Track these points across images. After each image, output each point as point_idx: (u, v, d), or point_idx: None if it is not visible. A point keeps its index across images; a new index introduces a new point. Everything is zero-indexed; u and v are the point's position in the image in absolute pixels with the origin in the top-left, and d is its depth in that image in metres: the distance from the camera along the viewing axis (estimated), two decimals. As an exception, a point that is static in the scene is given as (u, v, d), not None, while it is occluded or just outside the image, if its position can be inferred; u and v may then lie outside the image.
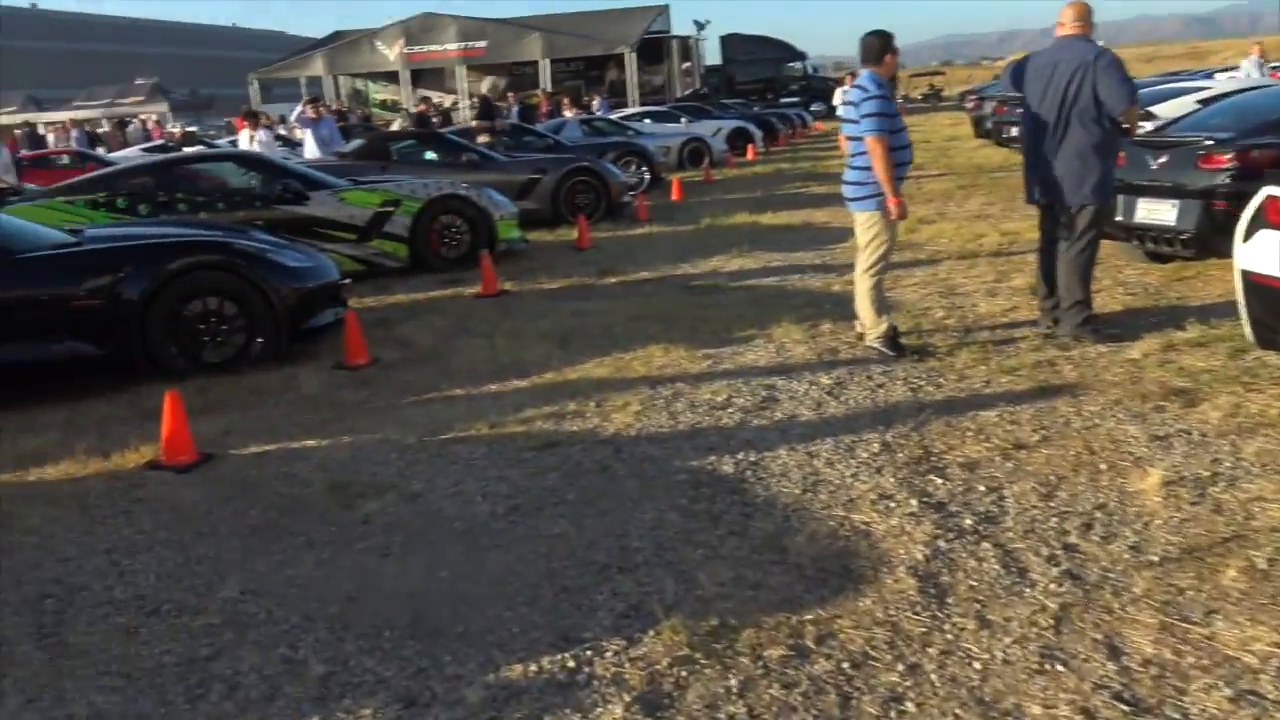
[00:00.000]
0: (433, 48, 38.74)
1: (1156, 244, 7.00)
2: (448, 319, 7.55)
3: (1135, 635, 2.83)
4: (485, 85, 17.27)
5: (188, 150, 16.27)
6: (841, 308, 6.70)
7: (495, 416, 5.12)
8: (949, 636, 2.89)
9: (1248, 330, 4.69)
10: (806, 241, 10.33)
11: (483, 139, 13.68)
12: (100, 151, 17.48)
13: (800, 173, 18.46)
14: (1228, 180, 6.38)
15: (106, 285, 5.78)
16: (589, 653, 2.92)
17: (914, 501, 3.80)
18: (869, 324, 5.78)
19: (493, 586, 3.37)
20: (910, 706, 2.58)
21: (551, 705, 2.69)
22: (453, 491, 4.21)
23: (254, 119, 14.39)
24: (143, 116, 42.32)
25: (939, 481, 3.98)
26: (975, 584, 3.17)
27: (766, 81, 42.54)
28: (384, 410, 5.41)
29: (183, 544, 3.87)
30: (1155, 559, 3.25)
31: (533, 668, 2.87)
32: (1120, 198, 6.73)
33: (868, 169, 5.43)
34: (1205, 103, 9.85)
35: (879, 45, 5.57)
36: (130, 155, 17.78)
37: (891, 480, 4.01)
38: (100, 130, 32.89)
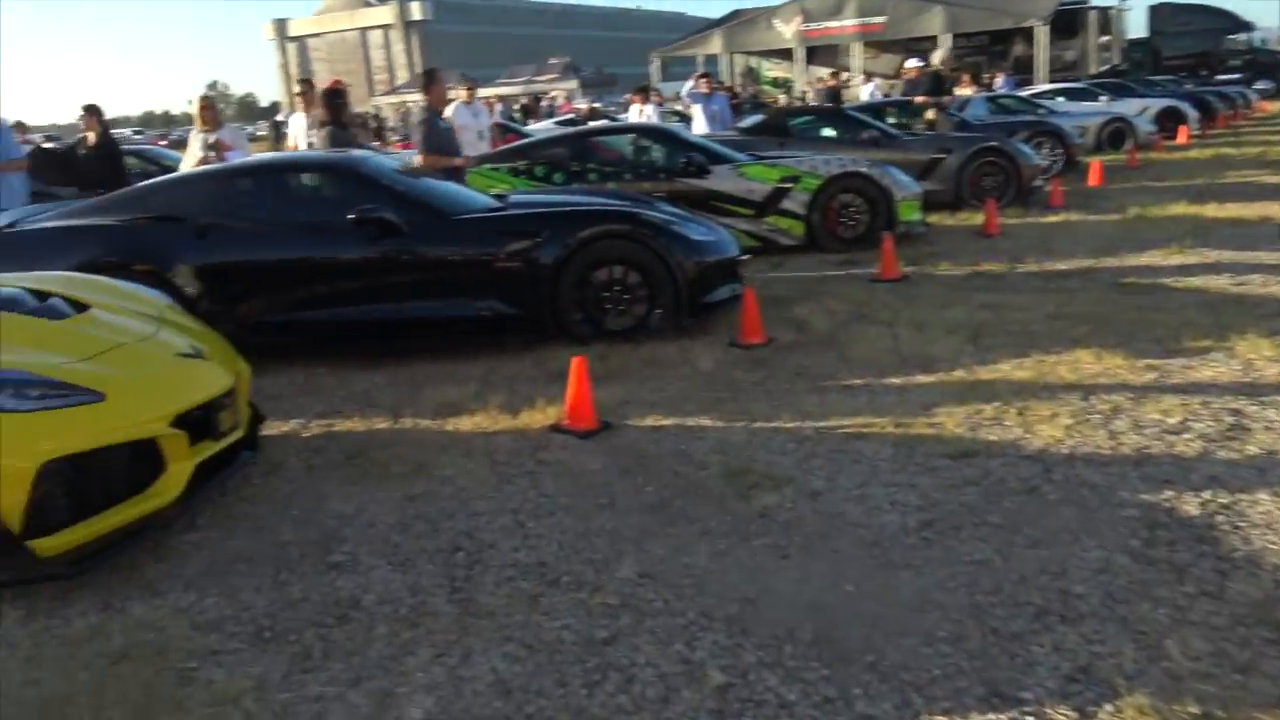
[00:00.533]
0: (830, 24, 38.25)
1: None
2: (844, 302, 7.18)
3: None
4: (937, 57, 16.38)
5: (594, 124, 17.10)
6: (1326, 322, 5.54)
7: (901, 414, 4.69)
8: None
9: None
10: (1267, 239, 8.82)
11: (930, 115, 12.96)
12: (518, 124, 19.04)
13: (1247, 160, 16.03)
14: None
15: (525, 249, 6.01)
16: (1030, 719, 2.46)
17: None
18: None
19: (907, 613, 2.98)
20: None
21: (986, 777, 2.27)
22: (856, 494, 3.86)
23: (644, 94, 14.79)
24: (554, 93, 45.68)
25: None
26: None
27: (1199, 56, 37.79)
28: (780, 395, 5.16)
29: (583, 513, 3.84)
30: None
31: (961, 724, 2.46)
32: None
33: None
34: None
35: None
36: (544, 128, 19.10)
37: None
38: (516, 106, 35.83)
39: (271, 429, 4.95)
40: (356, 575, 3.44)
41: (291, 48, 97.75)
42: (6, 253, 5.87)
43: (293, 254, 5.99)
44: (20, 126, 22.45)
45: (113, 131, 10.99)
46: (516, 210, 6.33)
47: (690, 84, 14.00)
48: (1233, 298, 6.68)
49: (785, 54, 40.62)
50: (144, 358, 3.81)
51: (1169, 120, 20.06)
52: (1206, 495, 3.62)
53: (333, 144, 8.09)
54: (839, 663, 2.75)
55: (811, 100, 23.05)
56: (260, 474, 4.44)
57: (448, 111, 9.04)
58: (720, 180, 8.95)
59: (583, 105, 34.62)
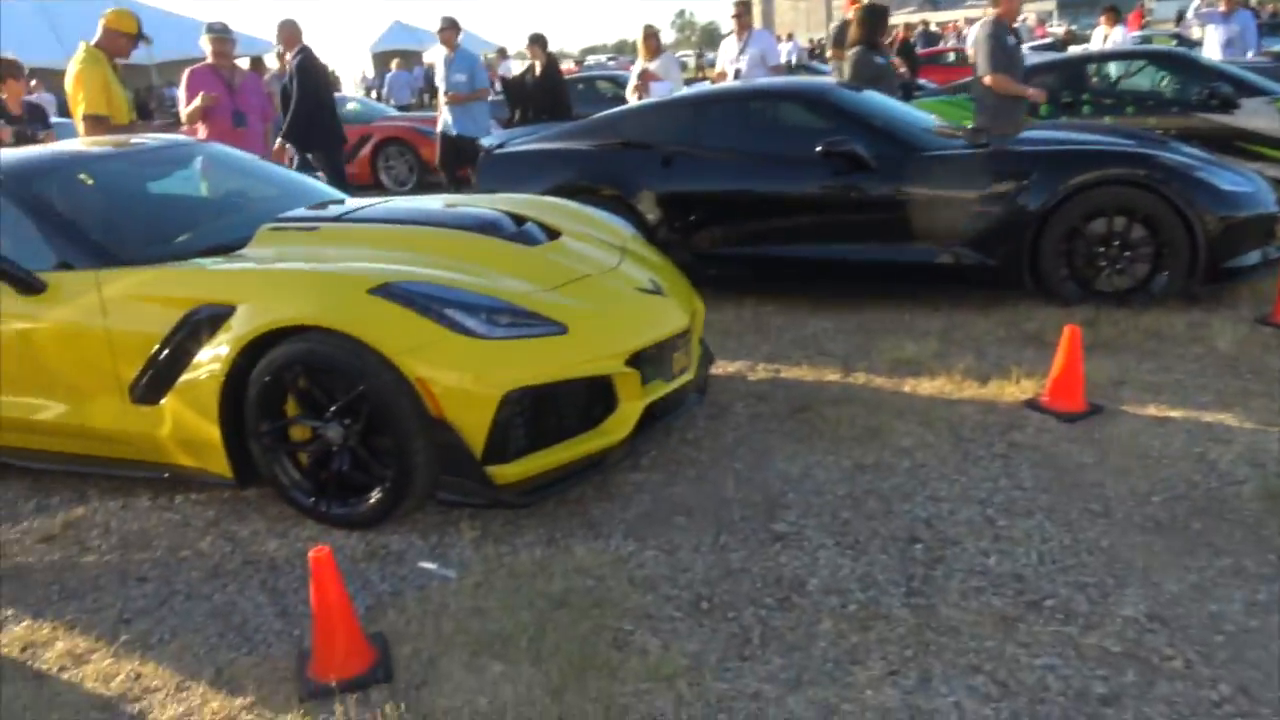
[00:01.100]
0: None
1: None
2: None
3: None
4: None
5: (1084, 49, 15.23)
6: None
7: None
8: None
9: None
10: None
11: None
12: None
13: None
14: None
15: (1007, 192, 5.27)
16: None
17: None
18: None
19: None
20: None
21: None
22: None
23: (1113, 15, 12.75)
24: (1025, 16, 42.11)
25: None
26: None
27: None
28: (1334, 395, 4.06)
29: (1068, 519, 3.20)
30: None
31: None
32: None
33: None
34: None
35: None
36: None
37: None
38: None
39: (717, 368, 4.76)
40: (801, 552, 3.10)
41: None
42: (494, 172, 6.22)
43: (754, 185, 5.74)
44: (502, 53, 24.66)
45: (588, 60, 11.49)
46: (999, 147, 5.56)
47: (1197, 2, 11.88)
48: None
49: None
50: (606, 291, 3.70)
51: None
52: None
53: (861, 70, 7.18)
54: None
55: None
56: (704, 416, 4.26)
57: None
58: (1251, 116, 7.41)
59: (1059, 28, 31.56)
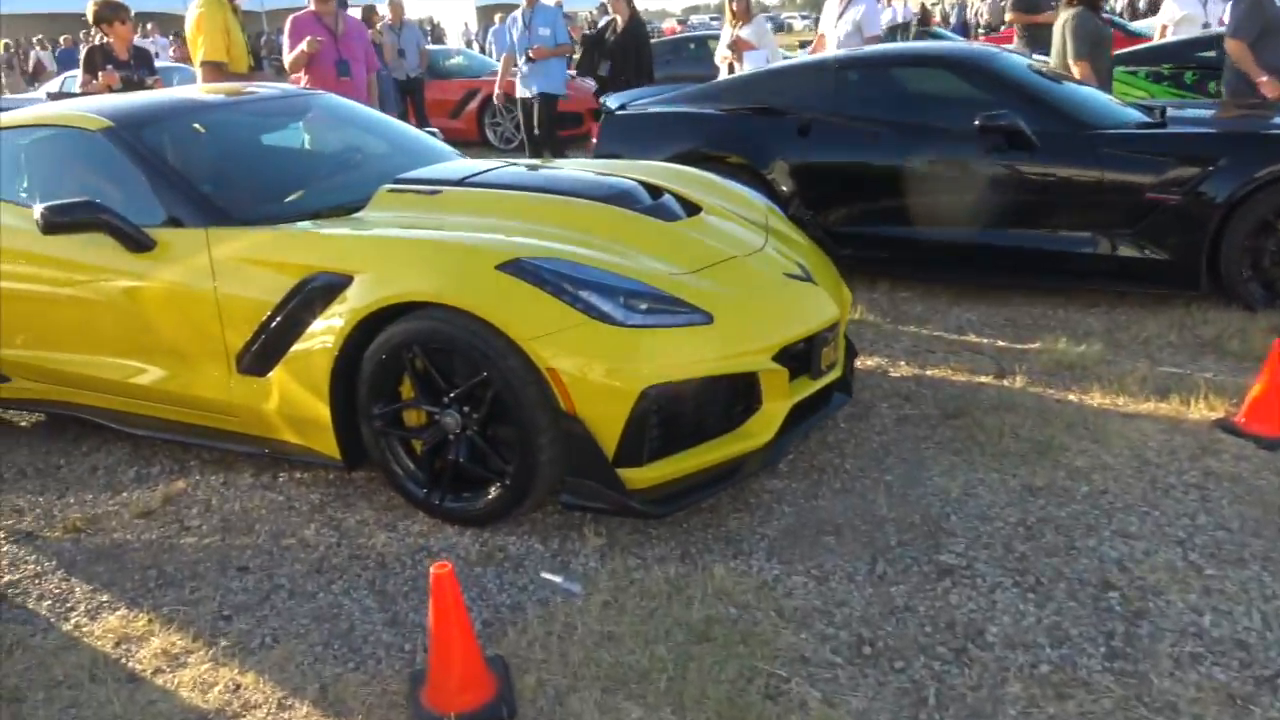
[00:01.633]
0: None
1: None
2: None
3: None
4: None
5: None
6: None
7: None
8: None
9: None
10: None
11: None
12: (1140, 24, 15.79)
13: None
14: None
15: (1190, 179, 4.71)
16: None
17: None
18: None
19: None
20: None
21: None
22: None
23: None
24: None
25: None
26: None
27: None
28: None
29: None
30: None
31: None
32: None
33: None
34: None
35: None
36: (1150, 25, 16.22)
37: None
38: None
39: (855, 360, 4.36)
40: (974, 591, 2.71)
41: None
42: (616, 134, 5.85)
43: (900, 160, 5.26)
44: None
45: (690, 20, 10.78)
46: (1182, 129, 4.99)
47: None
48: None
49: None
50: (752, 276, 3.32)
51: None
52: None
53: (1080, 33, 6.19)
54: None
55: None
56: (845, 416, 3.86)
57: None
58: None
59: None
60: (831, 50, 7.73)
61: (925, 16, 18.74)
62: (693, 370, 2.94)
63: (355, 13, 9.56)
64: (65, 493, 3.51)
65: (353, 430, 3.19)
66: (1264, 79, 5.82)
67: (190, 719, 2.34)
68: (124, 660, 2.54)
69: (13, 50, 28.09)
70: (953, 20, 24.30)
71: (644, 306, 2.96)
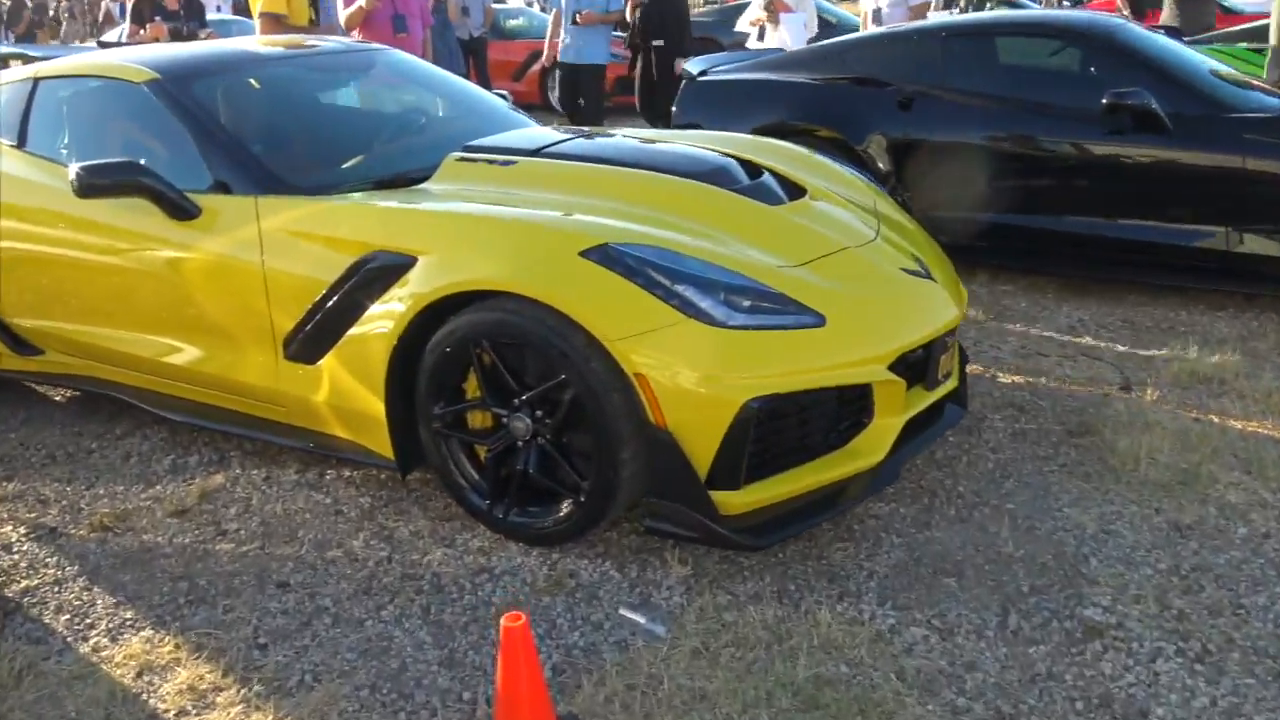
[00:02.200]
0: None
1: None
2: None
3: None
4: None
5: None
6: None
7: None
8: None
9: None
10: None
11: None
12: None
13: None
14: None
15: (1346, 172, 4.18)
16: None
17: None
18: None
19: None
20: None
21: None
22: None
23: None
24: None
25: None
26: None
27: None
28: None
29: None
30: None
31: None
32: None
33: None
34: None
35: None
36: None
37: None
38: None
39: (962, 364, 3.93)
40: (1130, 659, 2.30)
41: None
42: (697, 102, 5.43)
43: (1012, 139, 4.78)
44: None
45: None
46: (1338, 113, 4.45)
47: None
48: None
49: None
50: (867, 271, 2.91)
51: None
52: None
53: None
54: None
55: None
56: (953, 430, 3.44)
57: None
58: None
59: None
60: (869, 20, 7.16)
61: None
62: (802, 380, 2.54)
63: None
64: (95, 482, 3.21)
65: (409, 429, 2.84)
66: None
67: (216, 776, 2.02)
68: (145, 696, 2.22)
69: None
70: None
71: (747, 304, 2.57)
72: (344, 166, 3.32)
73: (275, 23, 5.61)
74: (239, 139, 3.29)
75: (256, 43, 4.39)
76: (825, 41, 5.62)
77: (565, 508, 2.68)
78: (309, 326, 2.90)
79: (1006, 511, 2.93)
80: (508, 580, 2.62)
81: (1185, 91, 4.52)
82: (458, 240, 2.72)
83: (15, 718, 2.14)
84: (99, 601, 2.57)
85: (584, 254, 2.55)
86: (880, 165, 4.97)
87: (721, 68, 5.69)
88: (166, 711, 2.17)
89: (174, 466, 3.28)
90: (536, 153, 3.26)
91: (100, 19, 24.80)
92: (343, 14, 6.10)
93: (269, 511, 2.97)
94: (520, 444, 2.71)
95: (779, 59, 5.61)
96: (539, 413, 2.66)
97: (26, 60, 7.58)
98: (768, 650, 2.32)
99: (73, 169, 3.05)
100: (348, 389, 2.86)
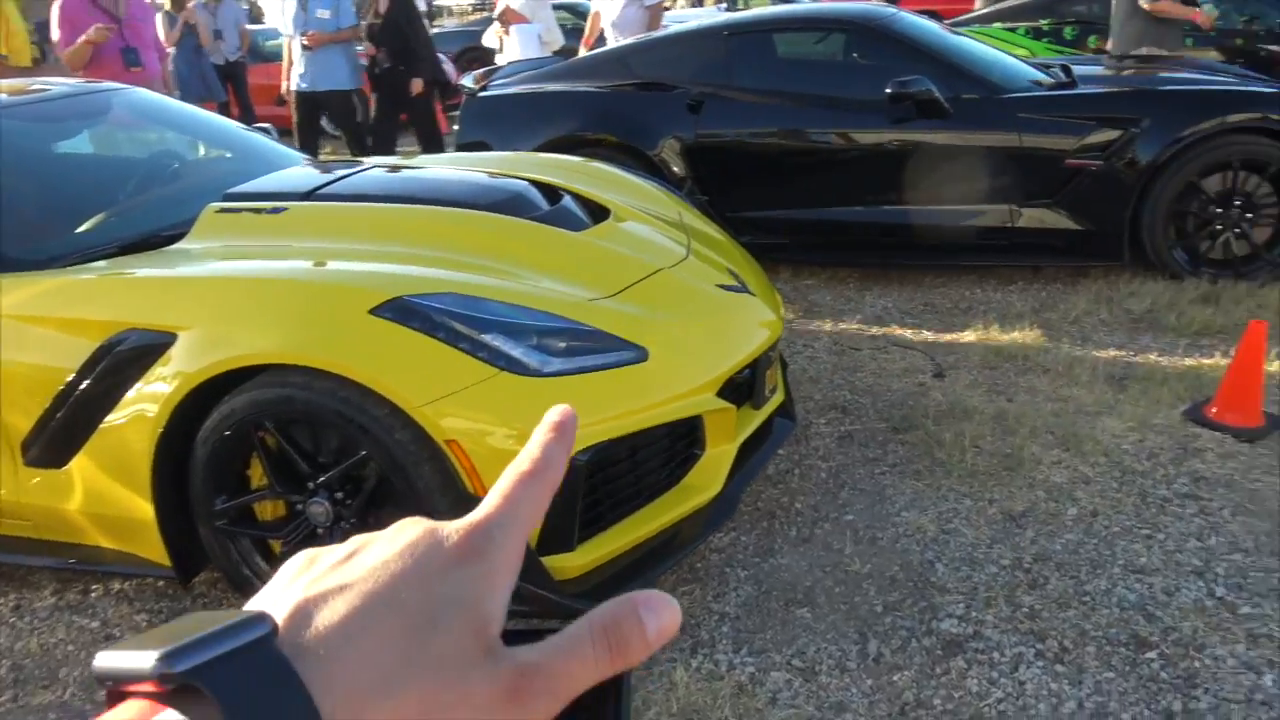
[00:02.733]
0: None
1: None
2: None
3: None
4: None
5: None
6: None
7: None
8: None
9: None
10: None
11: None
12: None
13: None
14: None
15: (1112, 142, 4.38)
16: None
17: None
18: None
19: None
20: None
21: None
22: None
23: None
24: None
25: None
26: None
27: None
28: None
29: (1333, 606, 2.37)
30: None
31: None
32: None
33: None
34: None
35: None
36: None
37: None
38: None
39: (781, 368, 3.86)
40: (994, 670, 2.24)
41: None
42: (480, 119, 5.17)
43: (802, 134, 4.77)
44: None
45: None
46: (1098, 88, 4.67)
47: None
48: None
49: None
50: (684, 293, 2.75)
51: None
52: None
53: None
54: None
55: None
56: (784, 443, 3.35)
57: None
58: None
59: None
60: (597, 21, 6.89)
61: None
62: (630, 423, 2.35)
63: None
64: None
65: (186, 530, 2.47)
66: (1195, 12, 5.61)
67: None
68: None
69: None
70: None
71: (562, 346, 2.36)
72: (81, 231, 2.88)
73: (-8, 64, 4.97)
74: (-53, 209, 2.81)
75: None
76: (606, 48, 5.47)
77: (384, 593, 2.39)
78: (51, 425, 2.48)
79: (847, 524, 2.85)
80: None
81: (962, 76, 4.63)
82: (224, 308, 2.38)
83: None
84: None
85: (375, 311, 2.27)
86: (676, 170, 4.87)
87: (501, 81, 5.45)
88: None
89: (-94, 604, 2.77)
90: (309, 195, 2.94)
91: None
92: (64, 52, 5.45)
93: (21, 650, 2.52)
94: (321, 531, 2.40)
95: (561, 68, 5.43)
96: (339, 494, 2.36)
97: None
98: (627, 725, 2.12)
99: None
100: (106, 492, 2.47)
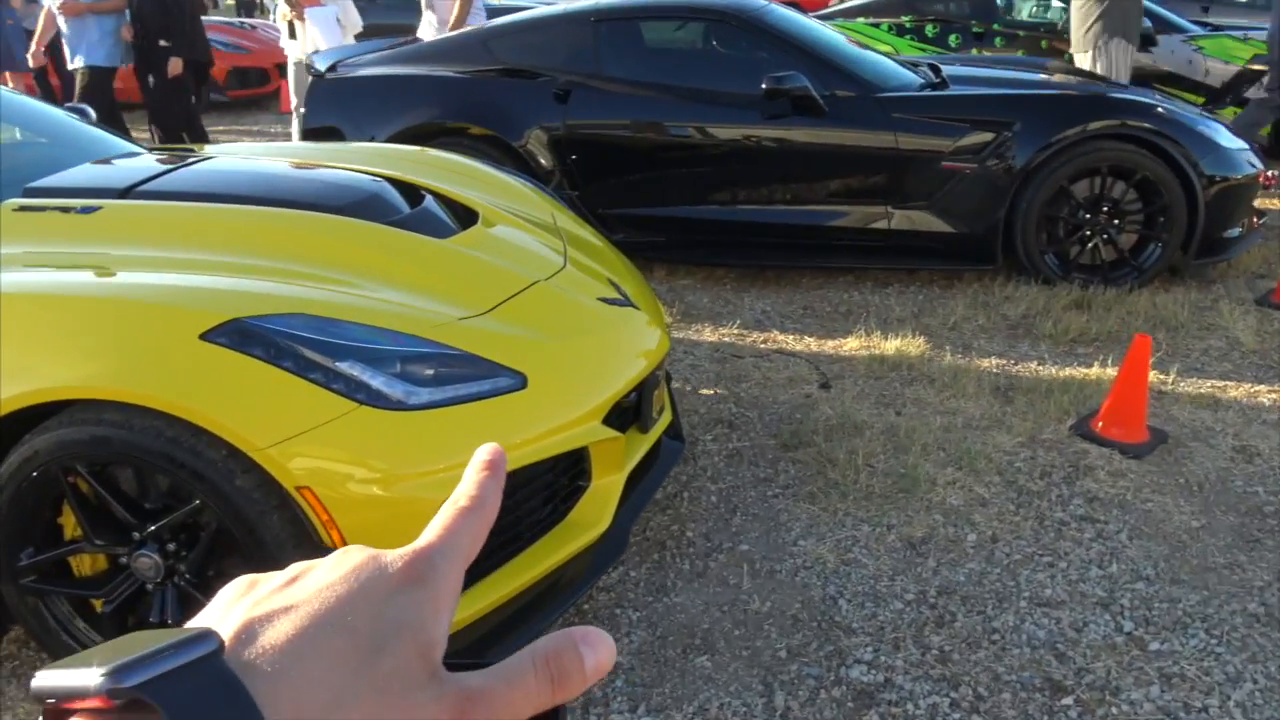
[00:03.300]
0: None
1: None
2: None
3: None
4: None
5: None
6: None
7: None
8: None
9: None
10: None
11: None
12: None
13: None
14: None
15: (986, 145, 4.34)
16: None
17: None
18: None
19: None
20: None
21: None
22: None
23: None
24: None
25: None
26: None
27: None
28: None
29: (1238, 635, 2.31)
30: None
31: None
32: None
33: None
34: None
35: None
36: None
37: None
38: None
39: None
40: (909, 725, 2.07)
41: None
42: (329, 103, 4.75)
43: (673, 128, 4.56)
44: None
45: None
46: (970, 90, 4.62)
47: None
48: None
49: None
50: (563, 309, 2.49)
51: None
52: None
53: None
54: None
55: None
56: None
57: None
58: (1166, 55, 6.83)
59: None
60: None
61: None
62: (509, 459, 2.07)
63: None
64: None
65: (-15, 590, 2.08)
66: None
67: None
68: None
69: None
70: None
71: (430, 374, 2.07)
72: None
73: None
74: None
75: None
76: (465, 30, 5.11)
77: (223, 662, 2.05)
78: None
79: (742, 555, 2.66)
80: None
81: (836, 72, 4.51)
82: (22, 330, 1.98)
83: None
84: None
85: (207, 336, 1.92)
86: (543, 162, 4.59)
87: (351, 61, 5.04)
88: None
89: None
90: (127, 192, 2.53)
91: None
92: None
93: None
94: (151, 587, 2.05)
95: (416, 50, 5.05)
96: (171, 545, 2.01)
97: None
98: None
99: None
100: (-120, 549, 2.04)
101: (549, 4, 7.34)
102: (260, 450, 1.86)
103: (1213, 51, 6.81)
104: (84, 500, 2.00)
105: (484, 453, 0.45)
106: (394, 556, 0.38)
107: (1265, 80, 6.02)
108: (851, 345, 4.01)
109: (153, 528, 1.99)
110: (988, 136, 4.34)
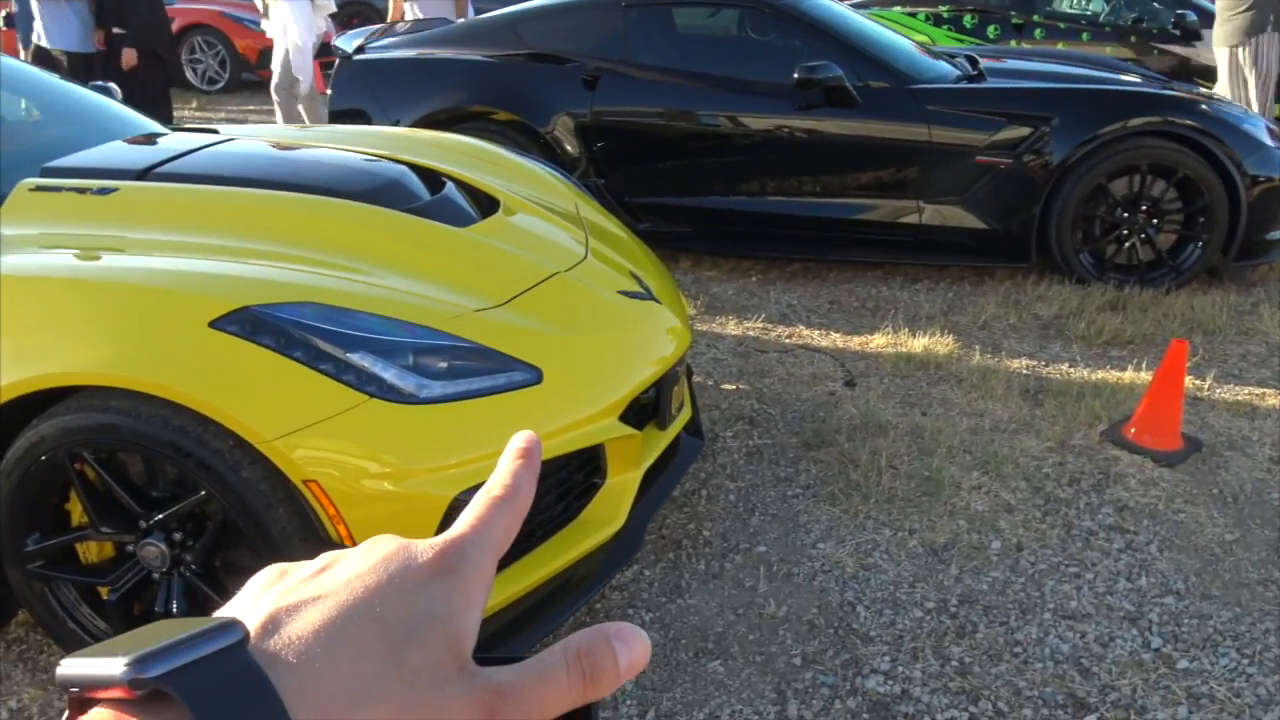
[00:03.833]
0: None
1: None
2: None
3: None
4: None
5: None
6: None
7: None
8: None
9: None
10: None
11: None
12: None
13: None
14: None
15: (1023, 139, 4.24)
16: None
17: None
18: None
19: None
20: None
21: None
22: None
23: None
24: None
25: None
26: None
27: None
28: None
29: (1273, 655, 2.23)
30: None
31: None
32: None
33: None
34: None
35: None
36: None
37: None
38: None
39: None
40: (925, 739, 2.02)
41: None
42: (356, 85, 4.72)
43: (705, 117, 4.49)
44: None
45: None
46: (1007, 83, 4.51)
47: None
48: None
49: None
50: (583, 302, 2.44)
51: None
52: None
53: None
54: None
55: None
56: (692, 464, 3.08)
57: None
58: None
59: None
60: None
61: None
62: (522, 458, 2.03)
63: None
64: None
65: (-8, 574, 2.06)
66: None
67: None
68: None
69: None
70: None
71: (443, 367, 2.03)
72: None
73: None
74: None
75: None
76: (495, 13, 5.06)
77: (228, 654, 2.02)
78: None
79: (759, 557, 2.60)
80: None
81: (870, 63, 4.42)
82: (32, 314, 1.96)
83: None
84: None
85: (217, 324, 1.89)
86: (569, 149, 4.53)
87: (381, 43, 5.00)
88: None
89: None
90: (145, 174, 2.50)
91: None
92: None
93: None
94: (157, 576, 2.02)
95: (444, 33, 5.00)
96: (178, 535, 1.99)
97: None
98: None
99: None
100: (-113, 530, 2.03)
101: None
102: (267, 442, 1.83)
103: (1260, 47, 6.62)
104: (90, 487, 1.98)
105: (519, 440, 0.42)
106: (425, 546, 0.37)
107: None
108: (878, 342, 3.93)
109: (159, 516, 1.96)
110: (1025, 131, 4.24)
